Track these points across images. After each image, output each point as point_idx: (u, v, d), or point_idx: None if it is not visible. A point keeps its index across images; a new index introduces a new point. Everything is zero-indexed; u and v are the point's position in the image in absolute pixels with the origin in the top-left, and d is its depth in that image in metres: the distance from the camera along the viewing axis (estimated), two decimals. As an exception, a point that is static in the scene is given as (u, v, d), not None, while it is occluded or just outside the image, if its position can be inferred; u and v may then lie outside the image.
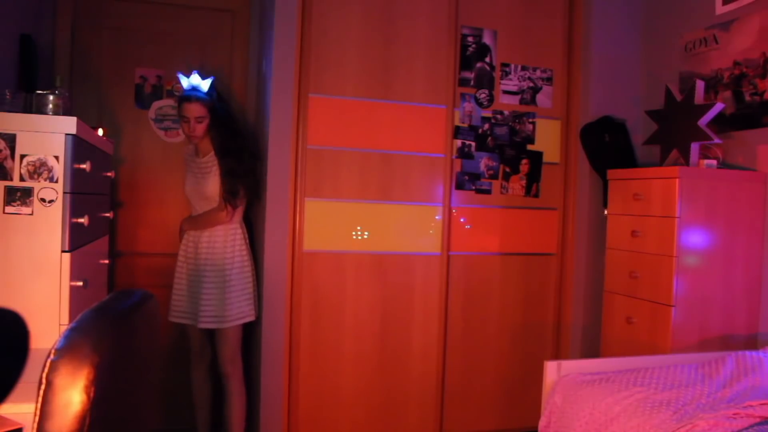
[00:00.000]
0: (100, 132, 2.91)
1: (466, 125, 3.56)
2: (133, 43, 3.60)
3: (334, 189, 3.37)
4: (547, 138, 3.75)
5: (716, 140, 3.21)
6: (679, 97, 3.43)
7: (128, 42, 3.59)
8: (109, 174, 2.81)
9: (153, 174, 3.64)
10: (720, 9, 3.51)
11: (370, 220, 3.41)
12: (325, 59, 3.34)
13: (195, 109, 3.14)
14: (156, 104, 3.63)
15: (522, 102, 3.70)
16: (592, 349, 3.71)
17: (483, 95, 3.61)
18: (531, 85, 3.73)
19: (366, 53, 3.40)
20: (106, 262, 2.85)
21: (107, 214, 2.80)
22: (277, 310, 3.28)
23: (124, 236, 3.58)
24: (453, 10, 3.52)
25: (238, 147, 3.26)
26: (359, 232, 3.39)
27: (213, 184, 3.19)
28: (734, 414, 2.10)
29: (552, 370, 2.65)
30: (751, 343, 3.21)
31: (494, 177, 3.62)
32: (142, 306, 1.25)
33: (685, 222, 3.06)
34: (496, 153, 3.63)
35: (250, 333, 3.44)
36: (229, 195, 3.18)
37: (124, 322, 1.15)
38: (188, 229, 3.27)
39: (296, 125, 3.31)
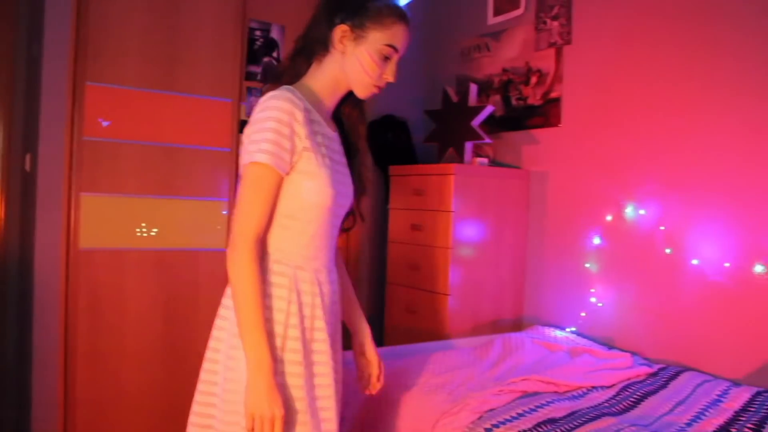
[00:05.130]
0: None
1: (252, 120, 3.54)
2: None
3: (114, 183, 3.19)
4: (333, 134, 3.82)
5: (487, 140, 3.46)
6: (455, 99, 3.65)
7: None
8: None
9: None
10: (491, 20, 3.79)
11: (154, 215, 3.28)
12: (104, 46, 3.15)
13: (408, 40, 1.76)
14: None
15: (309, 98, 3.74)
16: (376, 339, 3.83)
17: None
18: (318, 81, 3.78)
19: (149, 42, 3.25)
20: None
21: None
22: (50, 314, 3.04)
23: None
24: (240, 2, 3.47)
25: None
26: (142, 229, 3.24)
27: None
28: (499, 391, 2.29)
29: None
30: (517, 325, 3.50)
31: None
32: None
33: (459, 216, 3.27)
34: (286, 149, 3.64)
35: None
36: (361, 197, 1.87)
37: None
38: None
39: (71, 115, 3.08)
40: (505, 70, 3.71)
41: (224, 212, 3.43)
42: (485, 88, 3.79)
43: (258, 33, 3.56)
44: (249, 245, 1.51)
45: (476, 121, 3.45)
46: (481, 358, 2.78)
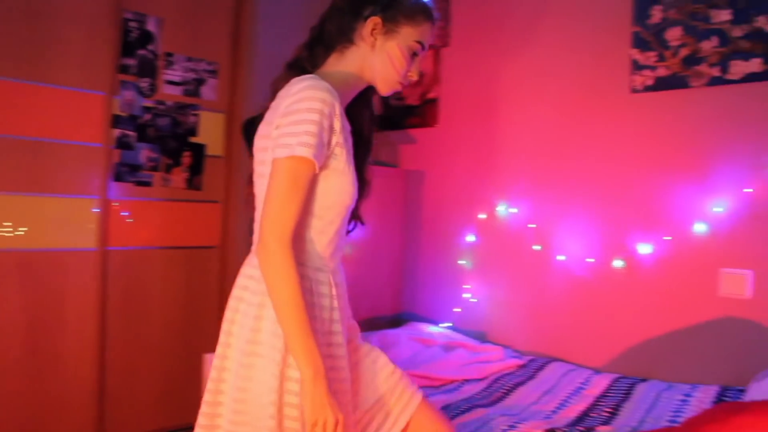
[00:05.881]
0: None
1: (126, 114, 3.41)
2: None
3: (-27, 179, 3.01)
4: (210, 131, 3.74)
5: (365, 139, 3.49)
6: (334, 98, 3.67)
7: None
8: None
9: None
10: (371, 19, 3.83)
11: (18, 214, 3.10)
12: (-40, 31, 2.96)
13: (431, 39, 1.70)
14: None
15: (186, 93, 3.65)
16: (255, 339, 3.80)
17: (145, 84, 3.49)
18: (195, 76, 3.69)
19: (14, 29, 3.06)
20: None
21: None
22: None
23: None
24: (114, -9, 3.35)
25: None
26: (5, 228, 3.07)
27: None
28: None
29: (209, 362, 2.66)
30: (395, 322, 3.55)
31: (155, 169, 3.53)
32: None
33: (338, 214, 3.28)
34: (158, 144, 3.54)
35: None
36: (364, 199, 1.78)
37: None
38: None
39: None
40: (384, 71, 3.76)
41: (95, 210, 3.30)
42: (365, 88, 3.83)
43: (133, 24, 3.44)
44: (286, 246, 1.40)
45: (355, 120, 3.48)
46: (358, 354, 2.81)
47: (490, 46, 3.28)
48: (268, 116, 1.53)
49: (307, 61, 1.63)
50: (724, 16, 2.55)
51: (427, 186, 3.55)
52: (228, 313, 1.58)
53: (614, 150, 2.84)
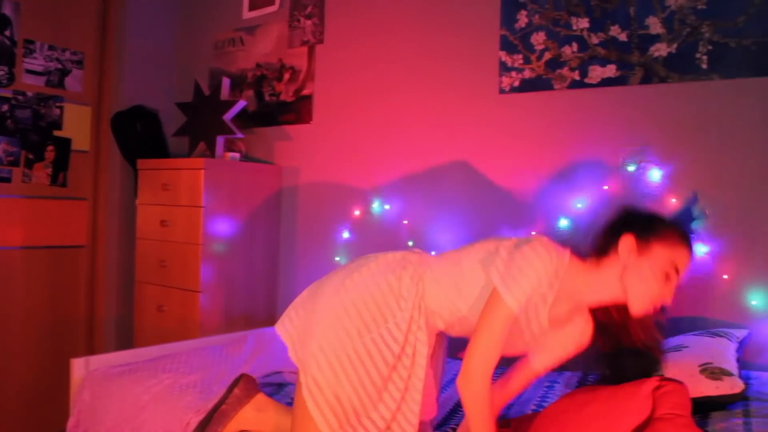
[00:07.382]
0: None
1: (-20, 105, 3.22)
2: None
3: None
4: (76, 124, 3.58)
5: (239, 135, 3.45)
6: (206, 92, 3.60)
7: None
8: None
9: None
10: (246, 14, 3.78)
11: None
12: None
13: (690, 265, 1.66)
14: None
15: (48, 84, 3.48)
16: (127, 342, 3.68)
17: (2, 72, 3.29)
18: (59, 66, 3.52)
19: None
20: None
21: None
22: None
23: None
24: (-37, -27, 3.14)
25: None
26: None
27: None
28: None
29: (79, 367, 2.56)
30: (271, 319, 3.52)
31: (15, 164, 3.34)
32: None
33: (210, 211, 3.23)
34: (17, 138, 3.35)
35: None
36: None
37: None
38: None
39: None
40: (258, 66, 3.72)
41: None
42: (238, 83, 3.78)
43: (-15, 8, 3.24)
44: (488, 380, 1.58)
45: (228, 116, 3.43)
46: (233, 354, 2.77)
47: (363, 44, 3.32)
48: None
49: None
50: (582, 23, 2.70)
51: (302, 182, 3.55)
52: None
53: (484, 148, 2.95)
